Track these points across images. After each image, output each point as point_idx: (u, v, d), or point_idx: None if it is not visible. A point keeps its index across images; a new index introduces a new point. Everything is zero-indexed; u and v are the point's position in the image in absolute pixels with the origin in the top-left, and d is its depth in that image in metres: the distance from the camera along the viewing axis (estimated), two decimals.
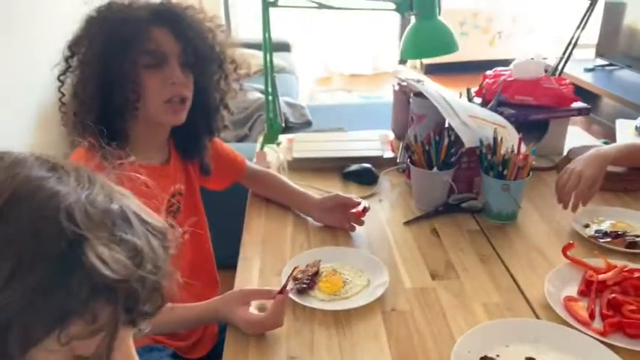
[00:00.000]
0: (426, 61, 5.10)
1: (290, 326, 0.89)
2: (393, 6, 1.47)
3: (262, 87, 2.89)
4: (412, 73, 5.35)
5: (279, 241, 1.14)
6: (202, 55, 1.01)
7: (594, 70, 3.96)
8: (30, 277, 0.37)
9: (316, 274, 0.99)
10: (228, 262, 1.17)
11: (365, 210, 1.13)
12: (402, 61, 5.47)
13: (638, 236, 1.10)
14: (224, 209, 1.38)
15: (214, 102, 1.08)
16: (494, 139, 1.15)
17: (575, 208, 1.15)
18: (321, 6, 1.41)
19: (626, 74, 3.84)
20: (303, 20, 4.88)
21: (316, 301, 0.94)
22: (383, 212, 1.25)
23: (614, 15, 3.95)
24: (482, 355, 0.80)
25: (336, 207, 1.16)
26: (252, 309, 0.90)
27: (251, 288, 0.96)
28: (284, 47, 4.25)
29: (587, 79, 3.84)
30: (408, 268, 1.03)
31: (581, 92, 3.77)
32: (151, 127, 1.03)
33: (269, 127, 1.48)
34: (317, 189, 1.32)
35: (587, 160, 1.17)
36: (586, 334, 0.84)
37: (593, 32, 4.15)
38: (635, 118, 2.88)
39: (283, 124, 1.51)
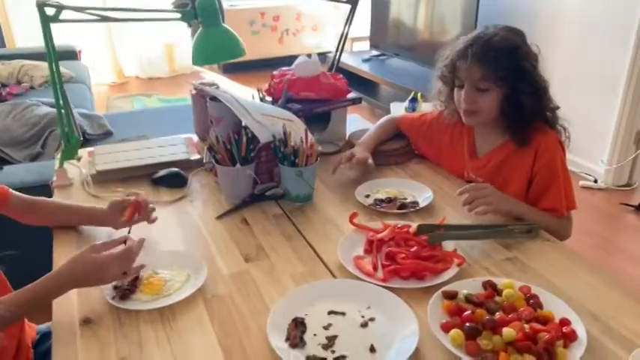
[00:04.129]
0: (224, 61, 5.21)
1: (117, 331, 0.93)
2: (178, 16, 1.54)
3: (51, 100, 2.74)
4: (210, 73, 5.43)
5: None
6: None
7: (370, 61, 4.48)
8: None
9: (137, 278, 1.04)
10: None
11: (137, 204, 1.18)
12: None
13: (405, 199, 1.36)
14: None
15: None
16: (284, 133, 1.31)
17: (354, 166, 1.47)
18: (103, 19, 1.42)
19: (395, 62, 4.43)
20: (90, 25, 4.60)
21: (140, 303, 0.99)
22: (195, 211, 1.33)
23: (381, 9, 4.49)
24: (294, 317, 0.94)
25: (125, 209, 1.19)
26: None
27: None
28: (70, 55, 3.98)
29: (365, 69, 4.34)
30: (223, 256, 1.14)
31: (362, 81, 4.27)
32: None
33: (66, 143, 1.45)
34: (125, 193, 1.35)
35: (359, 145, 1.53)
36: (372, 283, 1.04)
37: (368, 26, 4.68)
38: (404, 100, 3.37)
39: (81, 138, 1.48)
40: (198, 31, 1.57)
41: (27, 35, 4.43)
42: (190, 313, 0.97)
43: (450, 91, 1.41)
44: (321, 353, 0.87)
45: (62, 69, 3.62)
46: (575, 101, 3.04)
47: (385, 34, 4.52)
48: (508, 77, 1.29)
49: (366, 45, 4.88)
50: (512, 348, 0.86)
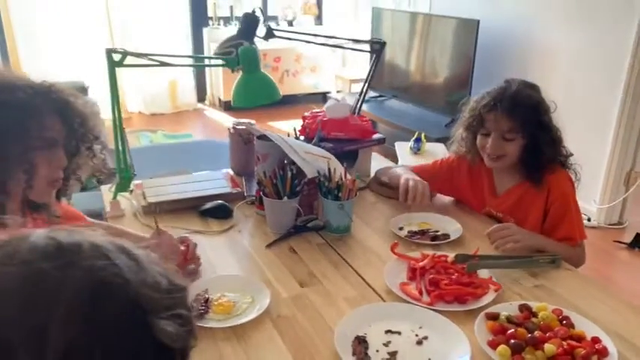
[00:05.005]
0: (226, 97, 5.34)
1: (198, 346, 1.02)
2: (223, 62, 1.69)
3: None
4: (211, 110, 5.57)
5: None
6: (79, 139, 1.11)
7: (369, 101, 4.67)
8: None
9: (207, 300, 1.14)
10: None
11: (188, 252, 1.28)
12: (202, 99, 5.66)
13: (437, 231, 1.48)
14: None
15: (71, 173, 1.16)
16: (329, 169, 1.44)
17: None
18: (162, 64, 1.55)
19: (393, 103, 4.63)
20: (96, 60, 4.70)
21: (214, 321, 1.09)
22: (245, 240, 1.44)
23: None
24: (355, 335, 1.05)
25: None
26: None
27: None
28: (80, 91, 4.10)
29: (364, 109, 4.51)
30: (280, 282, 1.25)
31: None
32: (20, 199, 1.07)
33: (121, 177, 1.56)
34: (180, 228, 1.45)
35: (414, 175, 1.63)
36: (420, 305, 1.15)
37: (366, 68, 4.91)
38: (405, 139, 3.55)
39: (135, 173, 1.59)
40: (240, 76, 1.72)
41: (32, 69, 4.55)
42: (261, 331, 1.08)
43: (474, 138, 1.55)
44: None
45: None
46: (568, 142, 3.23)
47: (382, 77, 4.74)
48: (531, 129, 1.45)
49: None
50: None
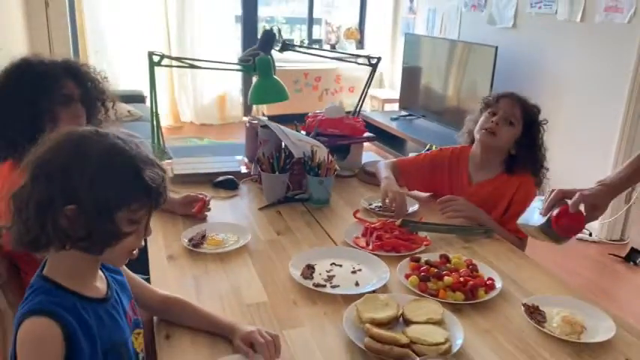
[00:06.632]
0: (269, 112, 5.82)
1: (191, 264, 1.41)
2: (242, 68, 2.11)
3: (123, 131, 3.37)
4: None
5: (175, 222, 1.65)
6: (95, 97, 1.51)
7: (398, 120, 5.03)
8: (118, 186, 0.88)
9: (204, 236, 1.53)
10: None
11: (204, 202, 1.70)
12: (248, 113, 6.16)
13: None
14: None
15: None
16: (312, 152, 1.82)
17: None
18: (191, 66, 1.99)
19: (421, 122, 4.96)
20: (157, 74, 5.30)
21: (206, 250, 1.48)
22: (244, 205, 1.84)
23: (412, 76, 5.08)
24: (307, 263, 1.41)
25: (192, 201, 1.70)
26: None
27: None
28: (140, 99, 4.69)
29: (393, 126, 4.88)
30: (262, 230, 1.62)
31: (389, 136, 4.80)
32: None
33: (154, 150, 1.99)
34: (196, 193, 1.86)
35: (389, 186, 1.82)
36: (364, 251, 1.50)
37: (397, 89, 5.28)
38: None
39: (171, 156, 2.02)
40: (256, 80, 2.14)
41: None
42: (239, 259, 1.45)
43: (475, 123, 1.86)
44: (323, 283, 1.33)
45: (133, 109, 4.33)
46: (573, 161, 3.47)
47: (413, 98, 5.08)
48: (529, 124, 1.77)
49: (396, 106, 5.46)
50: (449, 289, 1.31)
